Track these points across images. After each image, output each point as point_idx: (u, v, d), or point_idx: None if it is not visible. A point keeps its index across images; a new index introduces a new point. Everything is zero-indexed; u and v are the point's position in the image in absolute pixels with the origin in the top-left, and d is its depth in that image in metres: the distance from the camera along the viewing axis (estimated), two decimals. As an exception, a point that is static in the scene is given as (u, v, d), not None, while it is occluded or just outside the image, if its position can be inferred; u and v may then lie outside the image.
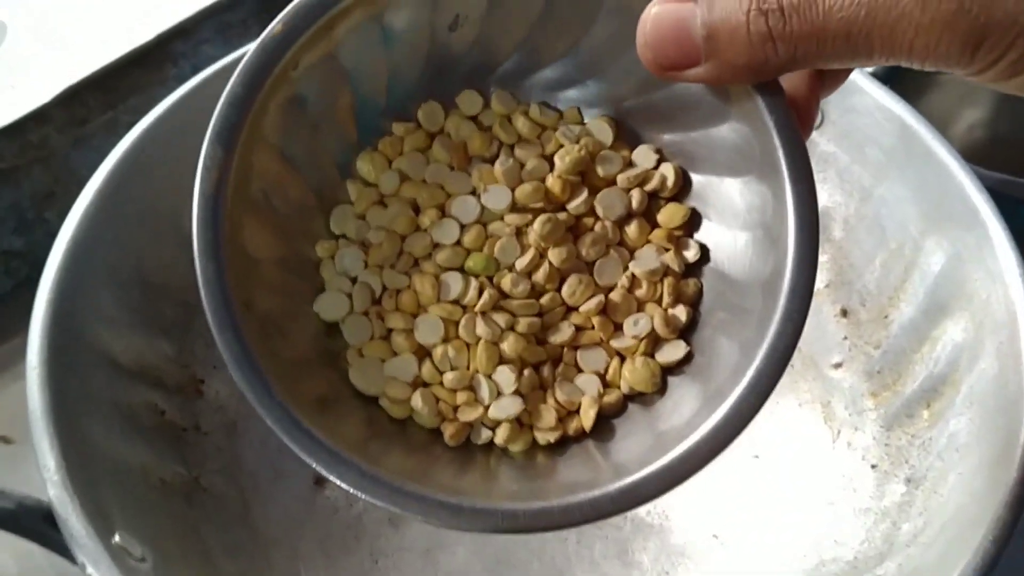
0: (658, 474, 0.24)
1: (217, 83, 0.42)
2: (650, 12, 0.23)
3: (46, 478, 0.31)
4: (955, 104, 0.62)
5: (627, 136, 0.28)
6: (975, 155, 0.62)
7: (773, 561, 0.38)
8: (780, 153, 0.24)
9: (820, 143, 0.43)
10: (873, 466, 0.38)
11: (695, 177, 0.27)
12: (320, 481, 0.42)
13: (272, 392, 0.24)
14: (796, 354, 0.43)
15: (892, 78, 0.47)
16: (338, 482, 0.24)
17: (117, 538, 0.31)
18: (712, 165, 0.27)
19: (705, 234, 0.27)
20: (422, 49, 0.28)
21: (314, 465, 0.24)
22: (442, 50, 0.28)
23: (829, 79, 0.26)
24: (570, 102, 0.29)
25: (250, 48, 0.25)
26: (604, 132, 0.28)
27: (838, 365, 0.42)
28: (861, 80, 0.41)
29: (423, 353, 0.27)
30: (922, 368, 0.37)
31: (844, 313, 0.42)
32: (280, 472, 0.41)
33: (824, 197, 0.43)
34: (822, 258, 0.43)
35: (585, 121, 0.29)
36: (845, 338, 0.42)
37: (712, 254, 0.27)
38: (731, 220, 0.27)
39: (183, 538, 0.36)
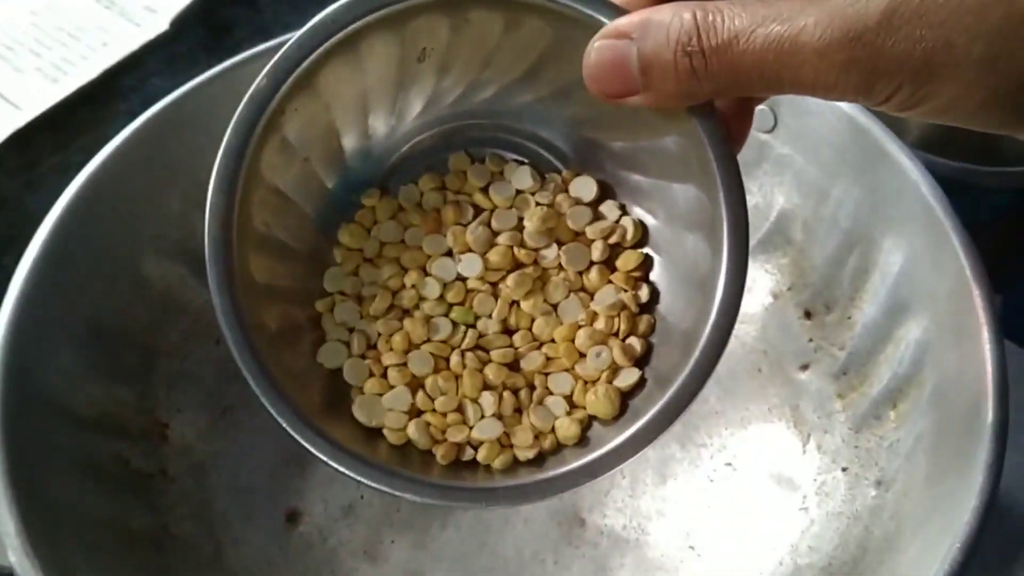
0: (619, 446, 0.27)
1: (165, 118, 0.42)
2: (592, 47, 0.26)
3: (6, 543, 0.30)
4: (911, 92, 0.62)
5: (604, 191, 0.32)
6: (932, 143, 0.63)
7: (750, 570, 0.38)
8: (713, 165, 0.27)
9: (775, 146, 0.43)
10: (844, 469, 0.38)
11: (646, 183, 0.31)
12: (293, 518, 0.42)
13: (288, 400, 0.28)
14: (762, 358, 0.43)
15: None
16: (344, 470, 0.27)
17: (83, 598, 0.30)
18: (659, 171, 0.30)
19: (655, 247, 0.31)
20: (392, 77, 0.31)
21: (322, 457, 0.27)
22: (413, 80, 0.31)
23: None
24: (534, 115, 0.32)
25: (241, 103, 0.28)
26: (587, 188, 0.32)
27: (805, 367, 0.42)
28: (811, 81, 0.41)
29: (416, 384, 0.30)
30: (887, 368, 0.37)
31: (808, 315, 0.42)
32: (251, 512, 0.41)
33: (782, 200, 0.43)
34: (783, 260, 0.43)
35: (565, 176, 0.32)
36: (810, 340, 0.42)
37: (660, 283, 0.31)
38: (677, 221, 0.30)
39: (154, 590, 0.35)
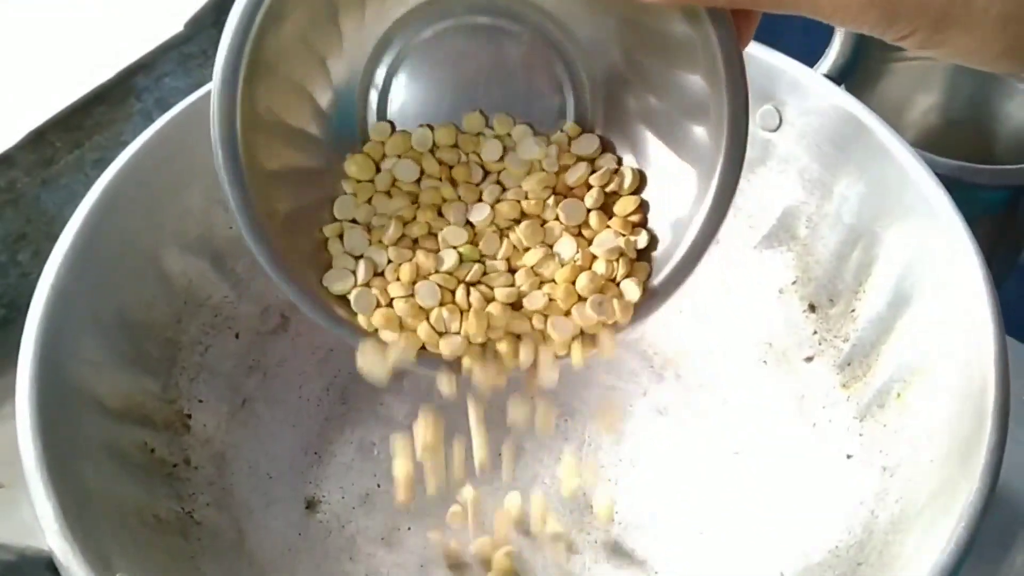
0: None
1: (184, 119, 0.43)
2: None
3: (45, 527, 0.31)
4: (909, 91, 0.63)
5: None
6: (929, 141, 0.64)
7: (759, 555, 0.39)
8: (721, 62, 0.29)
9: (780, 144, 0.44)
10: (849, 456, 0.39)
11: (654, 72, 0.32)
12: (312, 505, 0.43)
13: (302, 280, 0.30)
14: (768, 350, 0.44)
15: (845, 76, 0.49)
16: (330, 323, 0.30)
17: (119, 580, 0.31)
18: (667, 62, 0.32)
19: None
20: None
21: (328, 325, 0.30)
22: None
23: None
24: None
25: None
26: (590, 145, 0.34)
27: (809, 359, 0.43)
28: (816, 81, 0.42)
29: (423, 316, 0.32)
30: (890, 358, 0.39)
31: (812, 308, 0.43)
32: (271, 500, 0.42)
33: (786, 196, 0.44)
34: (788, 256, 0.44)
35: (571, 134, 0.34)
36: (815, 332, 0.43)
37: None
38: (680, 112, 0.32)
39: (181, 573, 0.36)
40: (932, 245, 0.38)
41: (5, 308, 0.52)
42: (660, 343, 0.47)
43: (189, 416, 0.42)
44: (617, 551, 0.41)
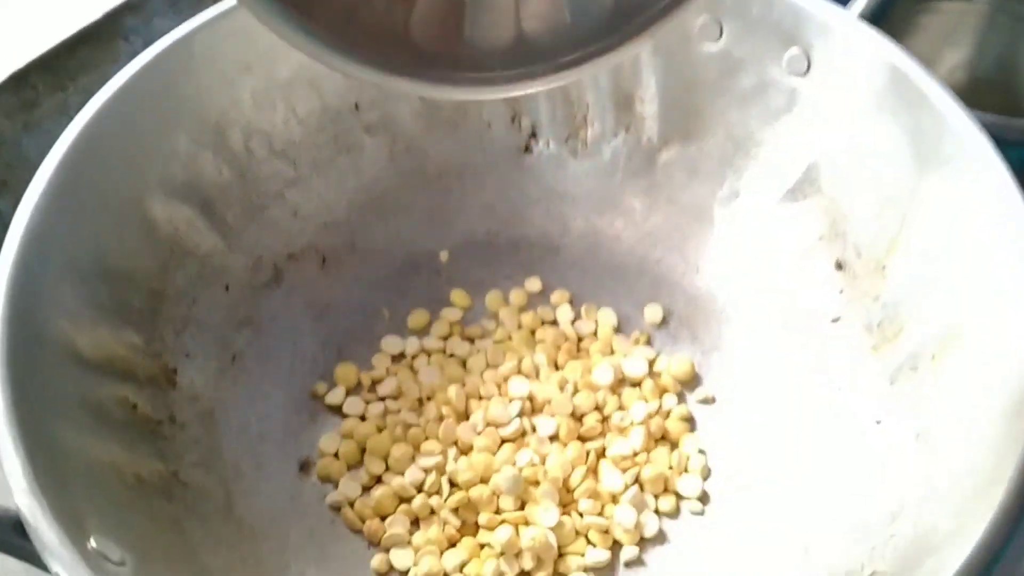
0: None
1: (171, 56, 0.40)
2: None
3: (13, 485, 0.28)
4: (937, 46, 0.60)
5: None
6: (959, 97, 0.61)
7: (780, 527, 0.37)
8: None
9: (807, 91, 0.41)
10: (878, 422, 0.37)
11: None
12: (305, 468, 0.40)
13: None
14: (792, 310, 0.42)
15: (879, 19, 0.46)
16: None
17: (93, 543, 0.29)
18: None
19: None
20: None
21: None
22: None
23: None
24: None
25: None
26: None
27: (836, 320, 0.40)
28: (848, 23, 0.39)
29: None
30: (926, 318, 0.36)
31: (839, 266, 0.41)
32: (262, 461, 0.40)
33: (813, 146, 0.41)
34: (813, 210, 0.42)
35: None
36: (842, 291, 0.40)
37: None
38: None
39: (164, 536, 0.34)
40: (974, 197, 0.35)
41: (-15, 258, 0.49)
42: (674, 303, 0.44)
43: (175, 371, 0.39)
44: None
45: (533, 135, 0.46)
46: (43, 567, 0.28)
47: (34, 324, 0.33)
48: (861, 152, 0.40)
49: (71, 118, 0.51)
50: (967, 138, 0.36)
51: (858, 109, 0.39)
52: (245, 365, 0.41)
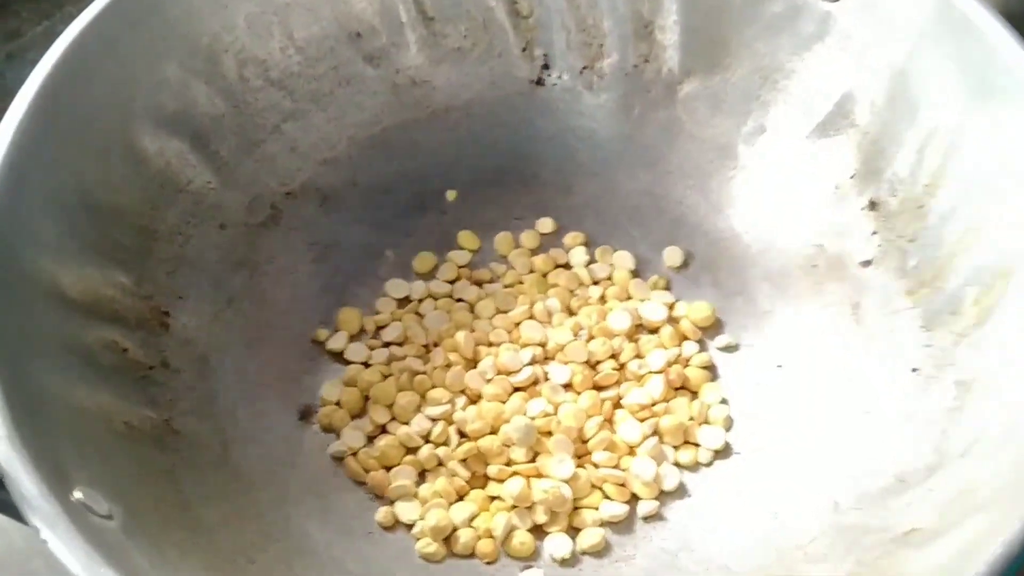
0: None
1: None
2: None
3: (-11, 432, 0.26)
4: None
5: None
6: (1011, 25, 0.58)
7: (808, 481, 0.35)
8: None
9: (840, 17, 0.38)
10: (914, 370, 0.34)
11: None
12: (306, 416, 0.38)
13: None
14: (819, 253, 0.39)
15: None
16: None
17: (78, 494, 0.27)
18: None
19: None
20: None
21: None
22: None
23: None
24: None
25: None
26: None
27: (867, 263, 0.38)
28: (888, -58, 0.36)
29: None
30: (967, 259, 0.34)
31: (873, 205, 0.38)
32: (260, 409, 0.37)
33: (847, 78, 0.38)
34: (846, 146, 0.39)
35: None
36: (875, 233, 0.38)
37: None
38: None
39: (156, 488, 0.32)
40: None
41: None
42: (696, 246, 0.42)
43: (167, 314, 0.37)
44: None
45: (546, 66, 0.43)
46: (22, 521, 0.26)
47: (13, 261, 0.31)
48: (900, 83, 0.37)
49: (56, 47, 0.49)
50: (1018, 69, 0.33)
51: (896, 37, 0.37)
52: (242, 308, 0.39)
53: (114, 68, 0.36)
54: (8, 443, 0.26)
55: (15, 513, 0.26)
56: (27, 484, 0.26)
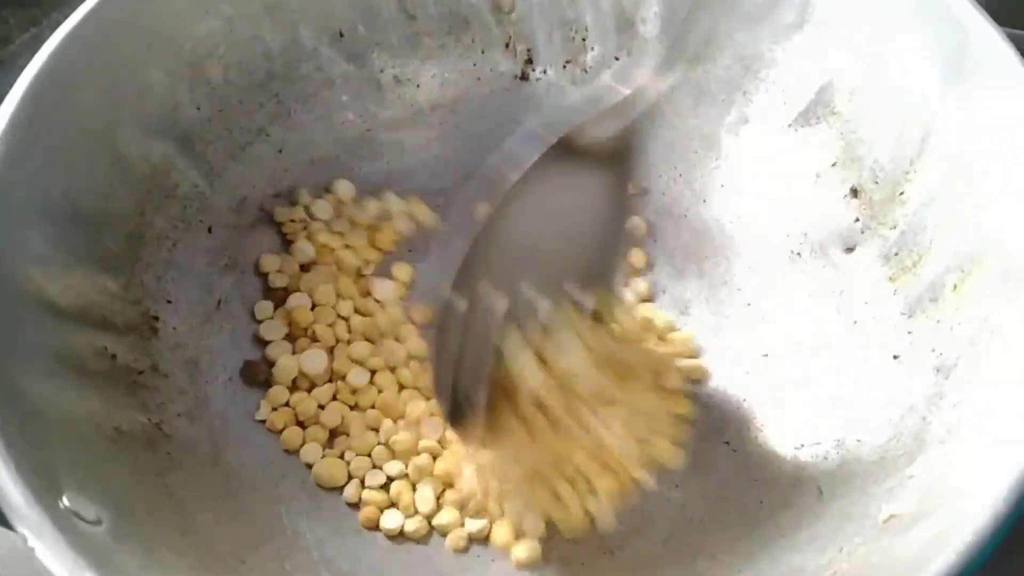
0: None
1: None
2: None
3: (-24, 440, 0.27)
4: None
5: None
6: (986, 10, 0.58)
7: (788, 464, 0.35)
8: None
9: (818, 6, 0.38)
10: (895, 356, 0.35)
11: None
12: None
13: None
14: (803, 241, 0.40)
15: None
16: None
17: (66, 501, 0.27)
18: None
19: None
20: None
21: None
22: None
23: None
24: None
25: None
26: None
27: (850, 250, 0.38)
28: (864, -71, 0.36)
29: None
30: (946, 246, 0.34)
31: (854, 193, 0.38)
32: (252, 412, 0.38)
33: (827, 66, 0.39)
34: (827, 134, 0.39)
35: None
36: (857, 220, 0.38)
37: None
38: None
39: (147, 492, 0.32)
40: (1000, 116, 0.33)
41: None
42: (680, 235, 0.42)
43: (156, 318, 0.37)
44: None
45: (529, 61, 0.44)
46: (8, 527, 0.26)
47: (0, 268, 0.31)
48: (879, 70, 0.37)
49: (45, 54, 0.49)
50: (993, 54, 0.33)
51: (875, 21, 0.37)
52: (231, 310, 0.40)
53: (99, 74, 0.37)
54: (-6, 452, 0.27)
55: (3, 521, 0.26)
56: (13, 491, 0.26)
